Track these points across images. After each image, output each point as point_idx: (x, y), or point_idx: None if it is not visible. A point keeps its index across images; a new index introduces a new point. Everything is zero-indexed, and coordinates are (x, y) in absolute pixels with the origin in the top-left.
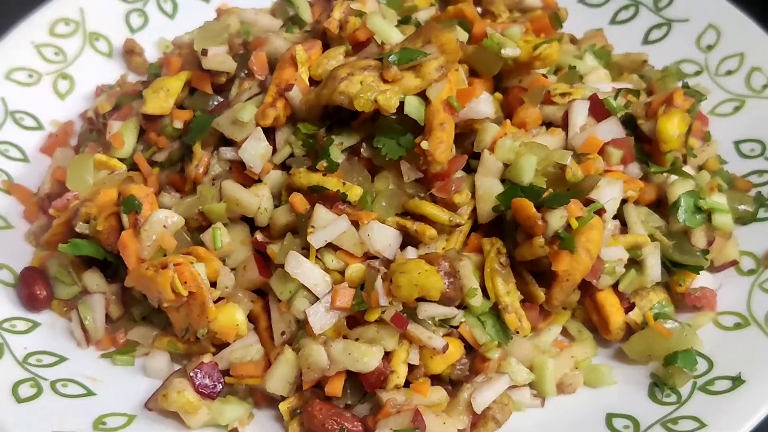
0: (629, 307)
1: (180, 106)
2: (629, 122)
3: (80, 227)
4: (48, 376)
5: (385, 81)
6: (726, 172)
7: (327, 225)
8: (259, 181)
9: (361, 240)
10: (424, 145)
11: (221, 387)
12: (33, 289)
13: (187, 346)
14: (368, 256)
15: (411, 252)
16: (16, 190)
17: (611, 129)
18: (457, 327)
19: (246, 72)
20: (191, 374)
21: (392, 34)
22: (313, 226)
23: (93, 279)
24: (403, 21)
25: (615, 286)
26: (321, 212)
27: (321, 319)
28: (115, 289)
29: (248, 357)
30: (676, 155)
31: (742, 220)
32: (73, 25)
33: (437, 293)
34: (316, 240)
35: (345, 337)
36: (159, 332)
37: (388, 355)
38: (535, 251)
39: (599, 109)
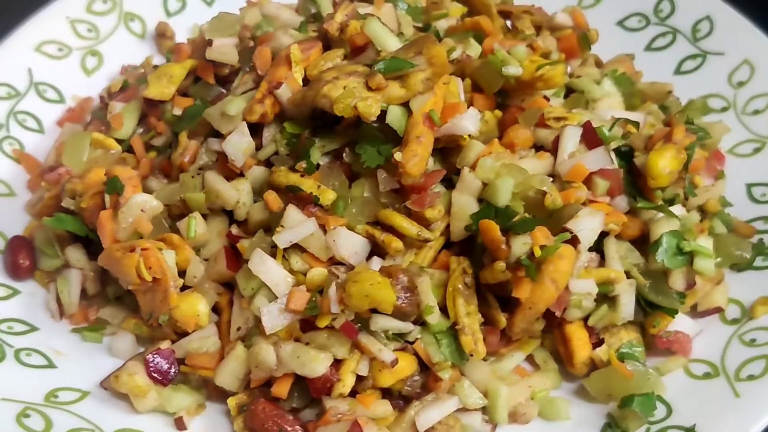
0: (598, 343)
1: (184, 93)
2: (628, 154)
3: (66, 202)
4: (15, 343)
5: (370, 88)
6: (726, 215)
7: (295, 226)
8: (242, 175)
9: (327, 245)
10: (398, 156)
11: (174, 374)
12: (17, 257)
13: (151, 331)
14: (334, 262)
15: (376, 262)
16: (25, 159)
17: (599, 159)
18: (412, 343)
19: (251, 66)
20: (146, 358)
21: (390, 42)
22: (282, 226)
23: (74, 254)
24: (423, 29)
25: (586, 320)
26: (292, 212)
27: (274, 319)
28: (94, 266)
29: (204, 348)
30: (676, 192)
31: (738, 266)
32: (111, 4)
33: (389, 306)
34: (281, 239)
35: (297, 340)
36: (128, 314)
37: (338, 363)
38: (496, 275)
39: (591, 138)
